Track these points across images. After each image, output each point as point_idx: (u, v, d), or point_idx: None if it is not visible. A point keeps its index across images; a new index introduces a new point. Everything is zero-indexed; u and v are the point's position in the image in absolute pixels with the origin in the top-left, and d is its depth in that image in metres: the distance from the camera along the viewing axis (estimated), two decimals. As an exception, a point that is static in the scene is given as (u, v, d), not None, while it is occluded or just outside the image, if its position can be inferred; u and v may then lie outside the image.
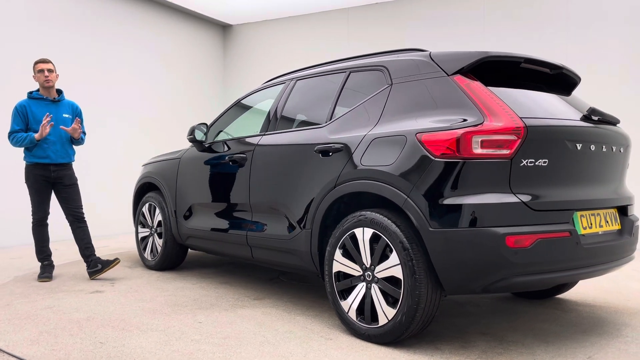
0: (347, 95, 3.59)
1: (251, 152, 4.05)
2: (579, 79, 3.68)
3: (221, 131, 4.70)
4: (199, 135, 4.57)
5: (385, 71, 3.38)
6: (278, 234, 3.75)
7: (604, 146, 3.06)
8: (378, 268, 3.02)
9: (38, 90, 4.71)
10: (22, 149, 4.70)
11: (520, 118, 2.75)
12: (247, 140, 4.18)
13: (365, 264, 3.09)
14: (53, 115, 4.60)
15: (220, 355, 2.84)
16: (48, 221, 4.84)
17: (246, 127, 4.58)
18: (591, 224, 3.00)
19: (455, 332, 3.27)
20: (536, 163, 2.75)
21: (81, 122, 4.77)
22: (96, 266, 4.75)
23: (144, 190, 5.56)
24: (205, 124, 4.65)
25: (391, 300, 2.95)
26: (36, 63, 4.67)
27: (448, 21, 8.12)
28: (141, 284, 4.60)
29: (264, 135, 4.04)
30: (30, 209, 4.75)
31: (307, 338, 3.13)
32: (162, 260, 5.14)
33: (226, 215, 4.31)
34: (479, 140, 2.70)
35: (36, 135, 4.49)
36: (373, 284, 3.05)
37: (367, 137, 3.19)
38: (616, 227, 3.21)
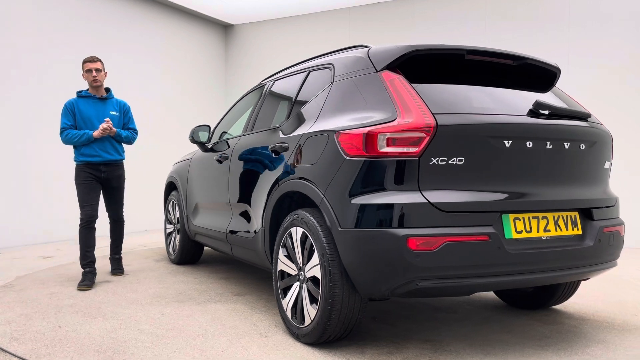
0: (304, 94, 3.59)
1: (231, 153, 4.19)
2: (558, 70, 3.37)
3: (224, 132, 4.88)
4: (198, 137, 4.78)
5: (332, 69, 3.35)
6: (245, 232, 3.84)
7: (549, 143, 2.78)
8: (306, 268, 3.00)
9: (87, 89, 4.69)
10: (72, 149, 4.67)
11: (433, 114, 2.60)
12: (230, 141, 4.33)
13: (299, 263, 3.09)
14: (100, 112, 4.63)
15: (147, 344, 3.00)
16: (96, 225, 4.66)
17: (241, 127, 4.71)
18: (530, 228, 2.74)
19: (398, 337, 3.14)
20: (449, 162, 2.58)
21: (130, 119, 4.83)
22: (117, 269, 4.97)
23: (172, 189, 5.91)
24: (208, 126, 4.85)
25: (314, 301, 2.93)
26: (84, 62, 4.60)
27: (450, 20, 8.15)
28: (150, 276, 4.92)
29: (243, 136, 4.15)
30: (79, 210, 4.61)
31: (244, 334, 3.19)
32: (180, 255, 5.45)
33: (215, 213, 4.49)
34: (385, 138, 2.59)
35: (95, 133, 4.50)
36: (304, 284, 3.04)
37: (303, 136, 3.18)
38: (575, 232, 2.90)
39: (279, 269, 3.28)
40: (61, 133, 4.56)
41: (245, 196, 3.86)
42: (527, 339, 3.14)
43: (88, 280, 4.46)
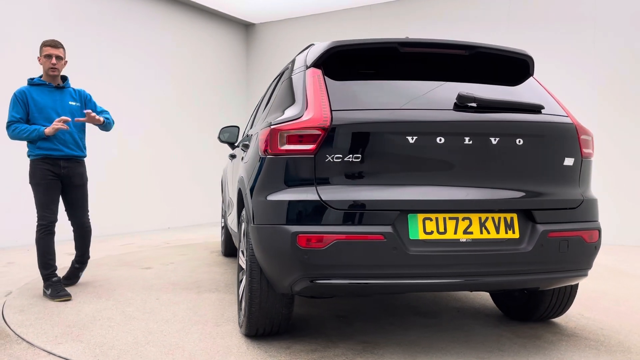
0: (275, 93, 3.69)
1: (238, 151, 4.43)
2: (529, 58, 3.06)
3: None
4: (224, 137, 5.08)
5: (290, 68, 3.41)
6: (236, 227, 4.05)
7: (468, 138, 2.56)
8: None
9: (40, 76, 4.13)
10: (25, 142, 4.09)
11: (332, 112, 2.57)
12: (239, 140, 4.57)
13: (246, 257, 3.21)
14: (57, 103, 4.09)
15: (113, 324, 3.35)
16: (55, 228, 4.12)
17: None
18: (444, 229, 2.56)
19: (340, 337, 3.10)
20: (345, 159, 2.52)
21: (96, 105, 4.32)
22: (64, 285, 4.16)
23: (223, 186, 6.33)
24: (236, 127, 5.15)
25: (248, 294, 3.03)
26: (44, 45, 4.04)
27: (471, 18, 8.08)
28: (190, 265, 5.36)
29: (246, 135, 4.37)
30: (35, 213, 4.05)
31: (202, 322, 3.40)
32: (224, 248, 5.85)
33: (231, 209, 4.76)
34: (285, 135, 2.62)
35: (47, 130, 3.90)
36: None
37: (253, 134, 3.30)
38: (510, 235, 2.63)
39: (238, 262, 3.44)
40: (8, 127, 3.98)
41: (235, 193, 4.08)
42: (475, 350, 2.91)
43: (63, 291, 4.00)
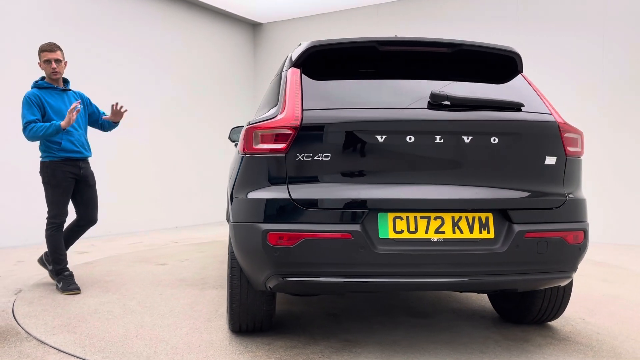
0: (267, 92, 3.74)
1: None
2: (516, 55, 3.00)
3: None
4: (235, 137, 5.17)
5: (282, 65, 3.45)
6: (235, 225, 4.13)
7: (439, 137, 2.54)
8: (232, 259, 3.19)
9: (43, 78, 4.25)
10: (38, 144, 4.23)
11: (303, 111, 2.60)
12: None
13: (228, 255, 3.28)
14: (68, 105, 4.21)
15: (109, 317, 3.48)
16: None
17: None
18: (415, 228, 2.54)
19: (323, 335, 3.11)
20: (315, 158, 2.55)
21: (96, 106, 4.51)
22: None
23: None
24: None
25: (234, 291, 3.09)
26: (42, 51, 4.15)
27: (480, 18, 7.99)
28: (202, 262, 5.48)
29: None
30: (47, 212, 4.23)
31: (195, 318, 3.48)
32: (236, 247, 5.93)
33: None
34: (259, 135, 2.67)
35: (62, 123, 4.00)
36: (234, 274, 3.22)
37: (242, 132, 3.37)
38: (485, 235, 2.59)
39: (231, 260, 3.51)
40: (25, 128, 4.04)
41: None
42: (456, 351, 2.87)
43: (74, 285, 4.17)
